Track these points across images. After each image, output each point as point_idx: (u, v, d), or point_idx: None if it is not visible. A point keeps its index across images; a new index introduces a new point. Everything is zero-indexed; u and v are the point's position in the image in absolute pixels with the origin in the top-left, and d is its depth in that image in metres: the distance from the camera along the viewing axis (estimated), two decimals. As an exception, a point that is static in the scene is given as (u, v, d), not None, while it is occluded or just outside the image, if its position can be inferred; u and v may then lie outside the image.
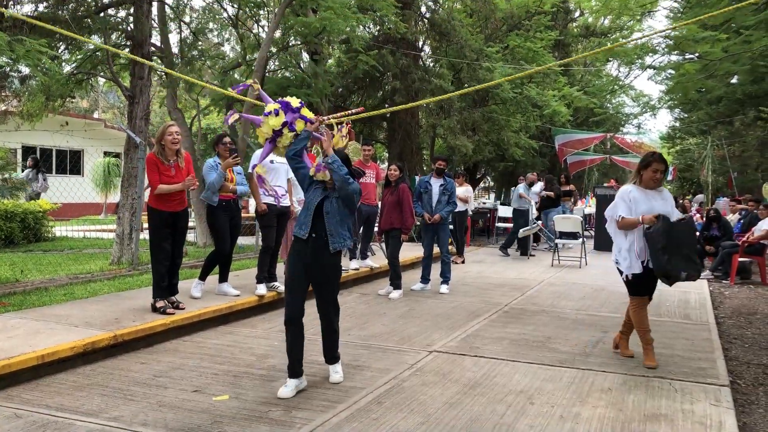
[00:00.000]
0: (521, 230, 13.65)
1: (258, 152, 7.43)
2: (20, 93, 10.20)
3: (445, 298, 8.56)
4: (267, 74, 13.89)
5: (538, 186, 15.22)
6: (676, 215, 5.30)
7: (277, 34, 13.73)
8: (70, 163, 22.84)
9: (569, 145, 21.30)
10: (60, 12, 9.06)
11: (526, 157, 21.46)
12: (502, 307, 7.96)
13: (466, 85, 17.36)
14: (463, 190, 12.89)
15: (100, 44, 8.52)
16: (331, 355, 4.90)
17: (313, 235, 4.67)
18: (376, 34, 17.26)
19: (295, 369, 4.61)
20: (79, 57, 11.10)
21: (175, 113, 12.06)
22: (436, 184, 9.12)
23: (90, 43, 8.55)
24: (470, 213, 14.56)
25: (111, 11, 10.72)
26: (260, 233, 7.83)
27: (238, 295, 7.19)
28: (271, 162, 7.29)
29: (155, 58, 11.53)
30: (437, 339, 6.24)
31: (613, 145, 22.26)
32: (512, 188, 16.59)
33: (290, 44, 14.43)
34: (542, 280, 10.45)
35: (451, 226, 12.88)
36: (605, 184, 20.86)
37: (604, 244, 15.34)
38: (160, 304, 6.21)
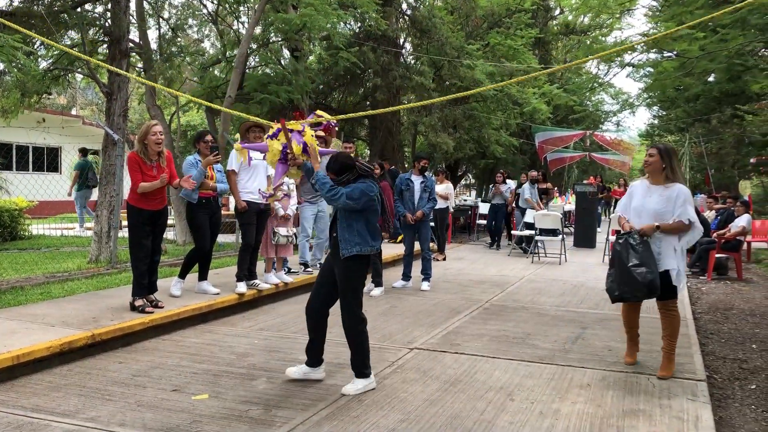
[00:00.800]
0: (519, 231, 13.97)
1: (233, 154, 7.37)
2: (-5, 89, 10.05)
3: (426, 295, 8.58)
4: (247, 71, 13.81)
5: (512, 183, 15.42)
6: (677, 215, 4.88)
7: (258, 30, 13.67)
8: (48, 160, 22.54)
9: (549, 142, 21.42)
10: (35, 7, 8.93)
11: (507, 155, 21.57)
12: (482, 304, 7.99)
13: (446, 83, 17.40)
14: (443, 188, 12.92)
15: (66, 48, 8.37)
16: (353, 365, 4.66)
17: (334, 235, 4.73)
18: (357, 31, 17.23)
19: (308, 356, 4.78)
20: (55, 53, 10.96)
21: (154, 110, 11.95)
22: (417, 181, 9.16)
23: (58, 47, 8.37)
24: (451, 210, 14.61)
25: (88, 6, 10.58)
26: (240, 231, 7.77)
27: (217, 294, 7.15)
28: (250, 159, 7.25)
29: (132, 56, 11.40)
30: (418, 336, 6.25)
31: (593, 143, 22.41)
32: (490, 186, 16.62)
33: (270, 41, 14.37)
34: (522, 277, 10.50)
35: (432, 224, 12.93)
36: (585, 181, 21.00)
37: (583, 240, 15.47)
38: (139, 302, 6.15)
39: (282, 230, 7.81)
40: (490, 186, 16.86)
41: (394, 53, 16.94)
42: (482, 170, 26.21)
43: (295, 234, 8.00)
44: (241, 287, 7.32)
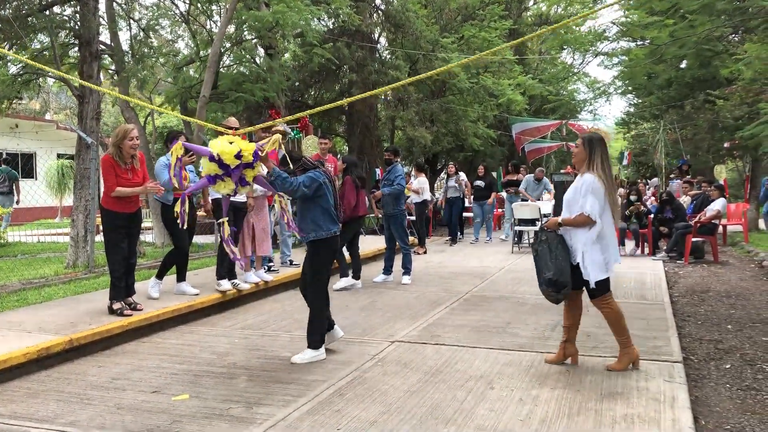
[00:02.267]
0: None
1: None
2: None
3: (408, 289, 8.60)
4: (222, 70, 13.72)
5: (463, 175, 15.39)
6: (578, 206, 4.68)
7: (231, 29, 13.59)
8: (22, 166, 22.24)
9: (526, 133, 21.54)
10: (2, 11, 8.79)
11: (486, 147, 21.64)
12: (462, 295, 8.03)
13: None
14: (417, 182, 12.93)
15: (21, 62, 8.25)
16: (308, 337, 5.25)
17: None
18: (331, 26, 17.19)
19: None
20: (25, 57, 10.80)
21: (128, 112, 11.84)
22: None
23: (22, 60, 8.23)
24: (429, 204, 14.59)
25: (57, 9, 10.43)
26: (216, 229, 7.70)
27: (197, 294, 7.11)
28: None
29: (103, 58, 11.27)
30: (399, 329, 6.27)
31: (570, 132, 22.55)
32: (442, 178, 16.53)
33: (244, 39, 14.28)
34: (502, 267, 10.57)
35: (412, 218, 12.96)
36: (562, 171, 21.12)
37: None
38: (116, 306, 6.10)
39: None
40: (442, 178, 16.44)
41: (369, 48, 16.93)
42: (461, 163, 26.27)
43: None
44: (225, 284, 7.25)
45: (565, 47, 28.49)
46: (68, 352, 5.28)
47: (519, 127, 21.22)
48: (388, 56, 18.87)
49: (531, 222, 13.00)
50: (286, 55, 17.17)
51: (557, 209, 15.90)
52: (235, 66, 14.26)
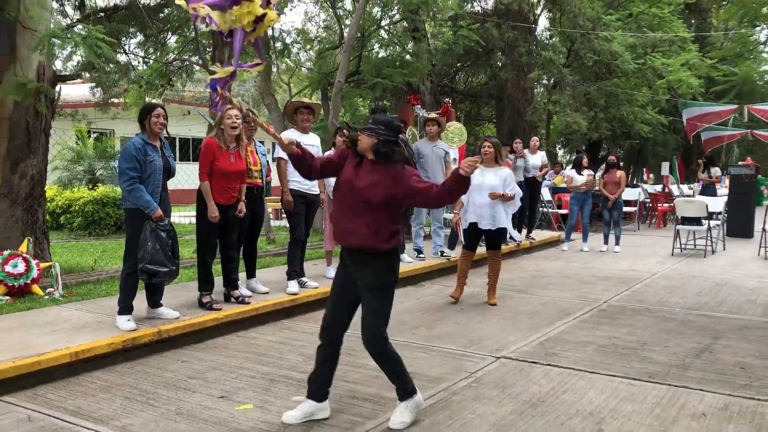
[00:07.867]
0: None
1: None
2: (116, 84, 10.36)
3: (536, 293, 7.74)
4: (366, 53, 13.45)
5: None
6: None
7: (377, 11, 13.29)
8: (193, 150, 23.78)
9: (703, 119, 19.18)
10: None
11: (656, 134, 19.68)
12: (599, 305, 7.06)
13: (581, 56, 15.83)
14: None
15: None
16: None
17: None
18: (482, 6, 16.35)
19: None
20: (175, 44, 11.22)
21: (268, 99, 11.92)
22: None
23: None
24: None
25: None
26: (289, 226, 7.10)
27: (267, 293, 6.55)
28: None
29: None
30: (510, 342, 5.53)
31: (754, 118, 19.72)
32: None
33: (390, 21, 13.89)
34: (656, 273, 9.31)
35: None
36: (740, 163, 18.67)
37: (738, 229, 13.71)
38: (206, 299, 5.89)
39: None
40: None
41: (523, 29, 15.85)
42: (627, 151, 24.26)
43: None
44: (293, 286, 6.66)
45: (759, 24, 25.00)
46: (158, 344, 5.16)
47: (692, 112, 18.94)
48: (548, 36, 17.61)
49: (696, 221, 11.43)
50: (438, 41, 16.58)
51: (733, 202, 13.91)
52: (377, 50, 13.97)
